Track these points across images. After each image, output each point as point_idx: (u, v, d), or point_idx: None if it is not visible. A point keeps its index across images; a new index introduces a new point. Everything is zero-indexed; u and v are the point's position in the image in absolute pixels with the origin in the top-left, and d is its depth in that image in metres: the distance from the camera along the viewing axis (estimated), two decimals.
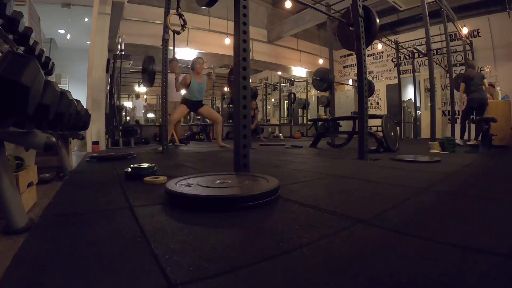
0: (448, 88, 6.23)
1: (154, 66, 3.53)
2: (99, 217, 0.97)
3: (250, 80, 1.87)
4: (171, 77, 4.19)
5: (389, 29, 8.58)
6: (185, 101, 4.16)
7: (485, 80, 4.72)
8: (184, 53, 6.97)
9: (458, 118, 7.48)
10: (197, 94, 4.18)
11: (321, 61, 8.95)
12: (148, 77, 3.52)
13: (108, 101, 5.22)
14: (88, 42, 4.80)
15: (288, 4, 6.46)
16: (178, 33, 3.50)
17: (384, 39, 7.54)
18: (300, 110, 11.16)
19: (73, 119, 1.41)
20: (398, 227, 0.84)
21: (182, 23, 3.47)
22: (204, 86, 4.26)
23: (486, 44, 7.05)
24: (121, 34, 5.61)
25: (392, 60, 8.93)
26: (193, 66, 4.19)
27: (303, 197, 1.23)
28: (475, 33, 7.27)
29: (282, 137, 7.40)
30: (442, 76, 7.89)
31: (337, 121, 4.44)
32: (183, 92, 4.22)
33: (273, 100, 12.77)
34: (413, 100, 8.16)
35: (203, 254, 0.65)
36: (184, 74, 4.21)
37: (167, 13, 3.55)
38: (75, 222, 0.92)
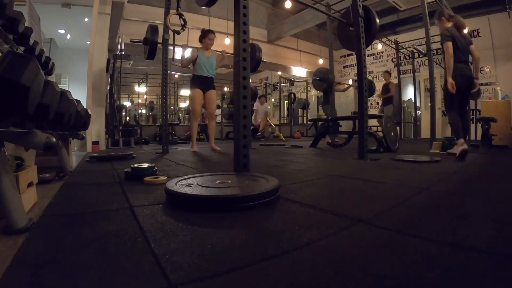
0: None
1: (157, 37, 3.46)
2: (99, 217, 0.97)
3: (250, 80, 1.86)
4: None
5: (389, 29, 8.57)
6: (194, 80, 3.70)
7: (472, 46, 2.93)
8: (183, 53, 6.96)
9: None
10: (205, 68, 3.67)
11: (321, 61, 8.93)
12: (149, 49, 3.45)
13: (108, 101, 5.23)
14: (88, 42, 4.80)
15: (288, 4, 6.45)
16: (178, 33, 3.49)
17: (384, 39, 7.53)
18: (300, 110, 11.14)
19: (73, 119, 1.41)
20: (398, 227, 0.84)
21: (182, 23, 3.47)
22: (214, 61, 3.79)
23: (486, 44, 7.04)
24: (121, 34, 5.61)
25: (392, 60, 8.92)
26: (201, 39, 3.77)
27: (303, 197, 1.23)
28: (475, 33, 7.26)
29: (282, 137, 7.38)
30: (442, 76, 7.83)
31: (337, 121, 4.44)
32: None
33: (273, 100, 12.76)
34: (413, 100, 8.15)
35: (203, 254, 0.65)
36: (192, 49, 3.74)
37: (167, 13, 3.55)
38: (75, 222, 0.92)
